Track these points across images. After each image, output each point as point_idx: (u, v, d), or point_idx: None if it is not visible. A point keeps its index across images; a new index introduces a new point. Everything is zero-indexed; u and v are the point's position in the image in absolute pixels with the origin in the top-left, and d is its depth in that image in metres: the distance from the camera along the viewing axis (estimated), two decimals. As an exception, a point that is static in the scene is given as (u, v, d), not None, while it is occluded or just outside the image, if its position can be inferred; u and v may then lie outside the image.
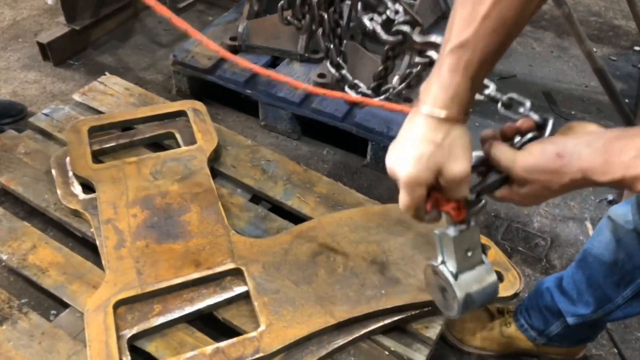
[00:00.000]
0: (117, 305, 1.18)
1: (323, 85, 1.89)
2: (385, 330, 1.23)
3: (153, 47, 2.35)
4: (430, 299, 1.23)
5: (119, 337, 1.13)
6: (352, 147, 1.94)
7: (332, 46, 1.15)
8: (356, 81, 1.60)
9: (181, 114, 1.65)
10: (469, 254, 0.76)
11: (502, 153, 0.71)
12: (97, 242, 1.31)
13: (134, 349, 1.15)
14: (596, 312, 1.20)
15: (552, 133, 0.72)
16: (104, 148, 1.55)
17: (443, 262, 0.77)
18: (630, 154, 0.60)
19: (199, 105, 1.66)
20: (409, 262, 1.31)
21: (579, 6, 2.87)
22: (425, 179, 0.69)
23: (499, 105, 0.76)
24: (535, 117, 0.73)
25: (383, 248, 1.34)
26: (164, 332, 1.19)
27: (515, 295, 1.26)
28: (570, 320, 1.24)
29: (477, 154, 0.75)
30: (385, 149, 2.06)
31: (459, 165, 0.69)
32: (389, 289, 1.25)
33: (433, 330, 1.24)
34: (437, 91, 0.69)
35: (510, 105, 0.75)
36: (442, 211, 0.74)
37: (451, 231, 0.75)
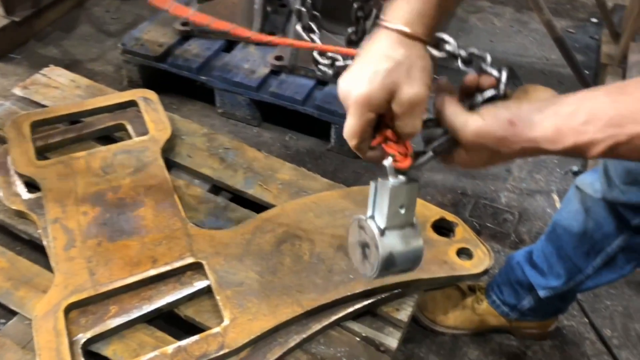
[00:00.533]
0: (69, 309, 1.10)
1: (280, 68, 1.83)
2: (356, 316, 1.19)
3: (101, 36, 2.24)
4: (400, 280, 1.21)
5: (72, 343, 1.05)
6: (315, 131, 1.89)
7: (303, 9, 1.13)
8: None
9: (132, 103, 1.57)
10: (402, 210, 0.71)
11: (455, 115, 0.66)
12: (45, 244, 1.23)
13: (90, 355, 1.08)
14: (567, 283, 1.18)
15: (507, 84, 0.67)
16: (49, 144, 1.45)
17: (372, 217, 0.72)
18: (579, 120, 0.56)
19: (150, 94, 1.58)
20: (377, 244, 1.27)
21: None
22: (378, 99, 0.64)
23: (459, 61, 0.71)
24: (494, 72, 0.68)
25: (349, 232, 1.29)
26: (122, 333, 1.11)
27: (486, 271, 1.23)
28: (542, 293, 1.23)
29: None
30: (347, 131, 1.98)
31: (415, 87, 0.64)
32: (357, 274, 1.20)
33: (404, 313, 1.20)
34: (401, 7, 0.66)
35: (470, 61, 0.70)
36: (387, 153, 0.69)
37: (390, 181, 0.70)
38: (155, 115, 1.52)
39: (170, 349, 1.06)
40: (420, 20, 0.66)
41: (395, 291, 1.21)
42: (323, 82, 1.81)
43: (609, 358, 1.40)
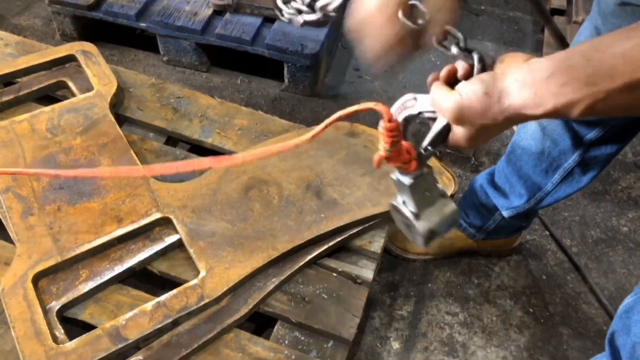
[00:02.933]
0: (37, 278, 1.06)
1: (224, 8, 1.75)
2: (330, 253, 1.20)
3: (23, -13, 2.06)
4: (370, 214, 1.22)
5: (46, 312, 1.02)
6: (267, 72, 1.83)
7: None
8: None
9: (70, 59, 1.46)
10: (427, 194, 0.75)
11: (438, 95, 0.65)
12: (0, 215, 1.16)
13: (67, 321, 1.05)
14: (529, 201, 1.22)
15: (483, 66, 0.67)
16: (-15, 109, 1.35)
17: (404, 203, 0.76)
18: (557, 82, 0.56)
19: (89, 47, 1.48)
20: (344, 181, 1.27)
21: None
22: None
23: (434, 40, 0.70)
24: (464, 59, 0.68)
25: (316, 172, 1.28)
26: (97, 297, 1.09)
27: (451, 196, 1.26)
28: (505, 213, 1.27)
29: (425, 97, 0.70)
30: (302, 69, 1.96)
31: None
32: (328, 212, 1.21)
33: (377, 244, 1.23)
34: None
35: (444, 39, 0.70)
36: (393, 166, 0.71)
37: (405, 180, 0.73)
38: (97, 69, 1.43)
39: (149, 305, 1.04)
40: None
41: (367, 224, 1.22)
42: (271, 19, 1.74)
43: (570, 265, 1.48)
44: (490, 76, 0.62)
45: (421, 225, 0.75)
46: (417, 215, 0.75)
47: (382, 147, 0.68)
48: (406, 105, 0.73)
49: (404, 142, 0.69)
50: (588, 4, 1.86)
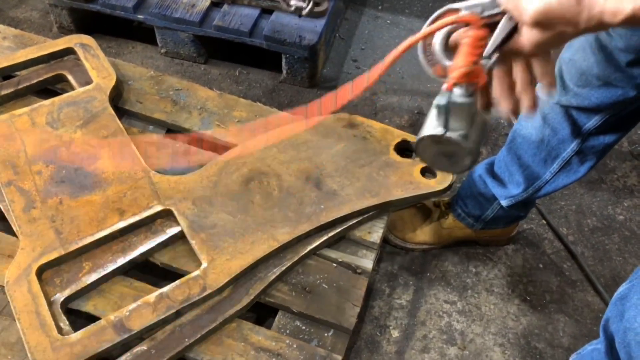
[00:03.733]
0: (41, 270, 1.07)
1: None
2: (330, 243, 1.22)
3: (18, -21, 2.05)
4: (369, 204, 1.24)
5: (50, 303, 1.04)
6: (265, 63, 1.84)
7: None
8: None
9: (68, 51, 1.46)
10: (475, 117, 0.70)
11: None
12: (2, 208, 1.17)
13: (71, 312, 1.07)
14: (527, 190, 1.24)
15: None
16: (-16, 102, 1.36)
17: (446, 129, 0.70)
18: None
19: (87, 39, 1.48)
20: (343, 172, 1.28)
21: None
22: None
23: None
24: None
25: (315, 163, 1.30)
26: (100, 288, 1.10)
27: (449, 187, 1.27)
28: (504, 202, 1.28)
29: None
30: (300, 60, 1.97)
31: None
32: (328, 203, 1.23)
33: (376, 235, 1.24)
34: None
35: None
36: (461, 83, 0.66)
37: (465, 99, 0.67)
38: (96, 62, 1.44)
39: (152, 297, 1.06)
40: None
41: (366, 215, 1.24)
42: (269, 10, 1.74)
43: (566, 253, 1.50)
44: None
45: (472, 147, 0.70)
46: (466, 137, 0.70)
47: (466, 60, 0.63)
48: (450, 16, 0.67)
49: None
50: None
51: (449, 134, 0.70)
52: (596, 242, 1.53)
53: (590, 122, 1.09)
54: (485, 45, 0.63)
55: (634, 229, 1.55)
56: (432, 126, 0.72)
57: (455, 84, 0.66)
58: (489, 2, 0.64)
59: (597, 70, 0.99)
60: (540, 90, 0.90)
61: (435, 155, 0.76)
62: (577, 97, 1.05)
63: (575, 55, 1.02)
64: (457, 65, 0.64)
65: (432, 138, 0.73)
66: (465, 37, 0.63)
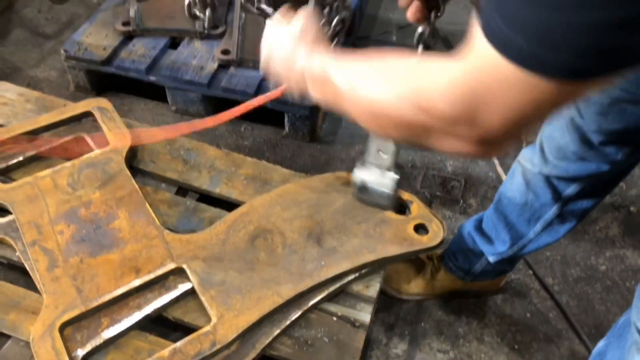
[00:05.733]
0: (63, 327, 1.16)
1: (228, 62, 1.87)
2: (330, 297, 1.30)
3: (38, 40, 2.18)
4: (367, 260, 1.33)
5: (72, 359, 1.12)
6: (269, 119, 1.95)
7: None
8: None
9: (87, 114, 1.58)
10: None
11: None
12: (27, 266, 1.26)
13: (89, 366, 1.15)
14: (512, 247, 1.33)
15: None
16: (10, 165, 1.46)
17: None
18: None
19: (104, 103, 1.59)
20: (342, 229, 1.38)
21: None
22: None
23: None
24: None
25: (316, 220, 1.39)
26: (117, 343, 1.19)
27: (441, 243, 1.37)
28: (491, 258, 1.38)
29: None
30: (301, 118, 2.08)
31: None
32: (328, 259, 1.32)
33: (373, 289, 1.33)
34: None
35: None
36: None
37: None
38: (113, 125, 1.55)
39: (166, 351, 1.14)
40: None
41: (363, 271, 1.33)
42: (272, 72, 1.86)
43: (552, 303, 1.59)
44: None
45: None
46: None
47: None
48: None
49: None
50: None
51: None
52: (580, 291, 1.62)
53: (569, 189, 1.20)
54: None
55: (615, 278, 1.64)
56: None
57: None
58: None
59: (573, 147, 1.10)
60: (524, 160, 1.03)
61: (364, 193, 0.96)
62: (556, 168, 1.16)
63: (554, 132, 1.13)
64: None
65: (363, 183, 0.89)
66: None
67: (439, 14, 0.91)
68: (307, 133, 1.91)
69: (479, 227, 1.41)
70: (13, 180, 1.43)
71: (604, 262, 1.68)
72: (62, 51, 1.87)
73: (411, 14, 0.90)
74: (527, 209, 1.26)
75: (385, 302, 1.56)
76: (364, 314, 1.30)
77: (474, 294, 1.57)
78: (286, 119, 1.88)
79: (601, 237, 1.74)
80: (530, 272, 1.65)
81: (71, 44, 1.89)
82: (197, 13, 0.82)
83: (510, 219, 1.31)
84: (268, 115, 1.91)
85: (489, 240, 1.37)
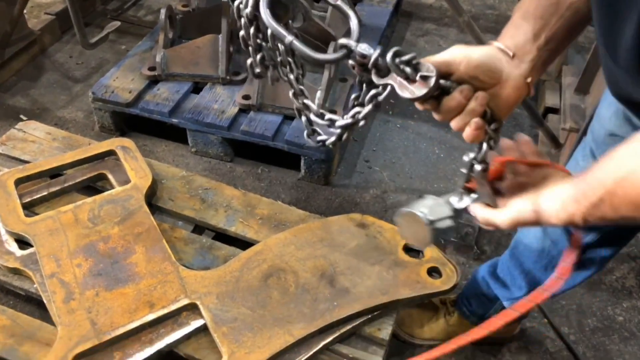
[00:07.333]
0: (76, 359, 1.17)
1: (248, 107, 1.94)
2: (342, 339, 1.30)
3: (67, 83, 2.28)
4: (379, 302, 1.33)
5: (82, 392, 1.13)
6: (285, 162, 2.00)
7: (292, 76, 0.95)
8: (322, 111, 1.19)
9: (110, 153, 1.64)
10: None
11: (490, 215, 0.81)
12: (44, 298, 1.29)
13: (99, 400, 1.15)
14: (528, 293, 1.32)
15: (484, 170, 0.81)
16: (34, 199, 1.51)
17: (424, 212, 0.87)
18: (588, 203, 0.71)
19: (127, 142, 1.65)
20: (355, 270, 1.39)
21: (476, 1, 3.07)
22: None
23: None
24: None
25: (329, 261, 1.40)
26: (128, 378, 1.19)
27: (454, 287, 1.37)
28: (506, 304, 1.36)
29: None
30: (317, 162, 2.13)
31: None
32: (341, 300, 1.32)
33: (385, 331, 1.32)
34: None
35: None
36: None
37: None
38: (134, 164, 1.60)
39: (176, 388, 1.14)
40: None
41: (376, 313, 1.33)
42: (290, 117, 1.92)
43: (568, 353, 1.56)
44: (537, 196, 0.77)
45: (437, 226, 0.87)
46: (432, 222, 0.87)
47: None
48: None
49: None
50: (575, 112, 2.03)
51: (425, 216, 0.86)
52: (597, 342, 1.58)
53: (588, 237, 1.19)
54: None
55: (633, 330, 1.61)
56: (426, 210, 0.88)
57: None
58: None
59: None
60: None
61: (411, 228, 0.91)
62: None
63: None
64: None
65: (413, 216, 0.88)
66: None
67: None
68: (322, 176, 1.94)
69: (493, 273, 1.40)
70: (36, 214, 1.47)
71: (621, 312, 1.65)
72: (89, 93, 1.96)
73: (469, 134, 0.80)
74: (545, 256, 1.26)
75: (398, 347, 1.54)
76: (376, 357, 1.28)
77: (488, 341, 1.55)
78: (302, 162, 1.92)
79: (618, 287, 1.72)
80: (546, 320, 1.62)
81: (99, 87, 1.98)
82: (258, 71, 0.86)
83: (526, 265, 1.30)
84: (284, 158, 1.95)
85: (504, 285, 1.36)
